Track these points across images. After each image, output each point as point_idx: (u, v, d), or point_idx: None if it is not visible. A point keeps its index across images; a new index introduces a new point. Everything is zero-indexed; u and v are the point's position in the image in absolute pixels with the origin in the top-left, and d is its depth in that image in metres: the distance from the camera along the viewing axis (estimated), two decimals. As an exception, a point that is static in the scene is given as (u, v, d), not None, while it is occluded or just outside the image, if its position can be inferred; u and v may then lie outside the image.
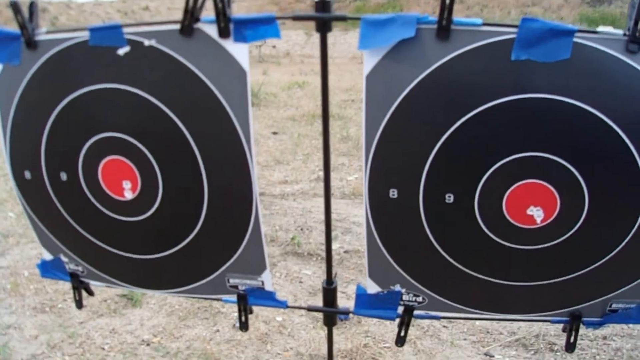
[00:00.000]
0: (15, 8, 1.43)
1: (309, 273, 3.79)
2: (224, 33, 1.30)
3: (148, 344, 3.02)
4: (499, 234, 1.37)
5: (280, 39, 1.30)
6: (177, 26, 1.33)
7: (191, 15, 1.31)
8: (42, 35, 1.46)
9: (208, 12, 1.32)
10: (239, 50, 1.31)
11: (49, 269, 1.80)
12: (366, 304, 1.55)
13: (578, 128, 1.22)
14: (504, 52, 1.19)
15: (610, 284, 1.42)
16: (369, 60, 1.26)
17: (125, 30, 1.37)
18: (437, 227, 1.39)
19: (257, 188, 1.43)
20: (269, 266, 1.55)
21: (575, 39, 1.17)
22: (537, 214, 1.32)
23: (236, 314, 3.03)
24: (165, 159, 1.47)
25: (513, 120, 1.23)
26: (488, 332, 3.12)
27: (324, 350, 2.84)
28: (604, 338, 3.03)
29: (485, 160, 1.29)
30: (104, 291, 3.50)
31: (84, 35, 1.41)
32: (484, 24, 1.20)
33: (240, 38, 1.30)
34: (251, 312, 1.66)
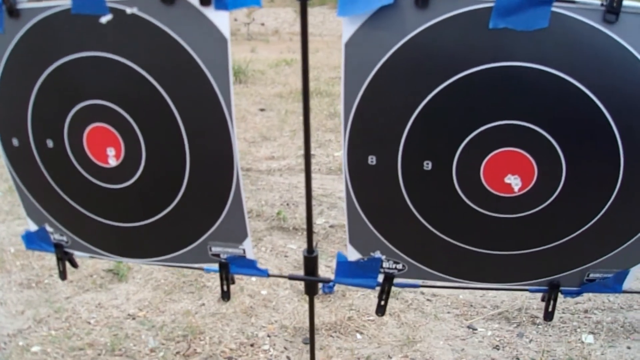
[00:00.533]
0: (-4, -24, 1.42)
1: (294, 247, 3.81)
2: (205, 1, 1.30)
3: (134, 318, 3.04)
4: (477, 202, 1.38)
5: (260, 6, 1.30)
6: None
7: (173, -18, 1.31)
8: (24, 4, 1.45)
9: None
10: (219, 18, 1.31)
11: (33, 240, 1.81)
12: (347, 272, 1.56)
13: (555, 97, 1.23)
14: (482, 20, 1.20)
15: (588, 254, 1.44)
16: (348, 28, 1.26)
17: (109, -2, 1.37)
18: (416, 194, 1.40)
19: (237, 155, 1.44)
20: (250, 234, 1.56)
21: (553, 8, 1.18)
22: (514, 182, 1.34)
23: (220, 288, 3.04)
24: (147, 127, 1.48)
25: (491, 88, 1.24)
26: (471, 305, 3.16)
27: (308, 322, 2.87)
28: (585, 312, 3.07)
29: (463, 127, 1.30)
30: (91, 266, 3.51)
31: (66, 3, 1.40)
32: (463, -8, 1.20)
33: (221, 5, 1.30)
34: (233, 282, 1.67)
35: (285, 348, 2.79)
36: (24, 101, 1.55)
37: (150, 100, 1.43)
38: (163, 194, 1.55)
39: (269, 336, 2.88)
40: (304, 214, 4.19)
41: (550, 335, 2.87)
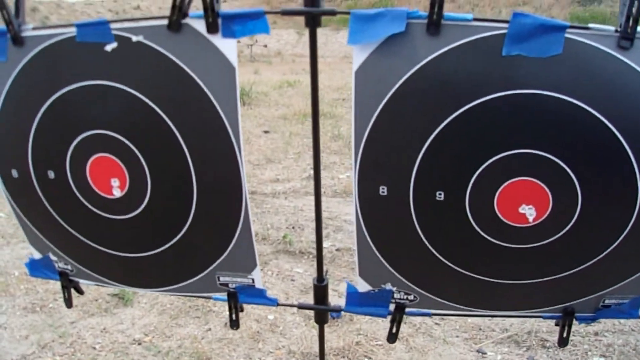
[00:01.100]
0: (1, 4, 1.41)
1: (300, 271, 3.78)
2: (212, 28, 1.28)
3: (139, 343, 3.01)
4: (491, 233, 1.35)
5: (269, 34, 1.29)
6: (165, 22, 1.31)
7: (179, 10, 1.29)
8: (28, 32, 1.44)
9: (197, 8, 1.31)
10: (227, 46, 1.30)
11: (37, 268, 1.78)
12: (357, 301, 1.54)
13: (570, 125, 1.21)
14: (495, 47, 1.18)
15: (604, 281, 1.41)
16: (358, 56, 1.24)
17: (113, 26, 1.35)
18: (428, 225, 1.37)
19: (246, 185, 1.42)
20: (259, 264, 1.54)
21: (567, 35, 1.16)
22: (529, 212, 1.31)
23: (228, 313, 3.02)
24: (153, 157, 1.46)
25: (504, 117, 1.22)
26: (480, 329, 3.13)
27: (316, 348, 2.83)
28: (596, 334, 3.04)
29: (476, 157, 1.27)
30: (95, 290, 3.49)
31: (71, 31, 1.39)
32: (475, 19, 1.19)
33: (228, 33, 1.29)
34: (242, 310, 1.65)
35: (293, 374, 2.77)
36: (25, 131, 1.52)
37: (155, 130, 1.41)
38: (170, 224, 1.53)
39: (276, 362, 2.85)
40: (310, 237, 4.22)
41: (560, 359, 2.84)
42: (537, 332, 3.05)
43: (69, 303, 1.84)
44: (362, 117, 1.29)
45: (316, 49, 1.34)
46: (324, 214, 4.71)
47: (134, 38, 1.34)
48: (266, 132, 7.79)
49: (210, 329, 3.12)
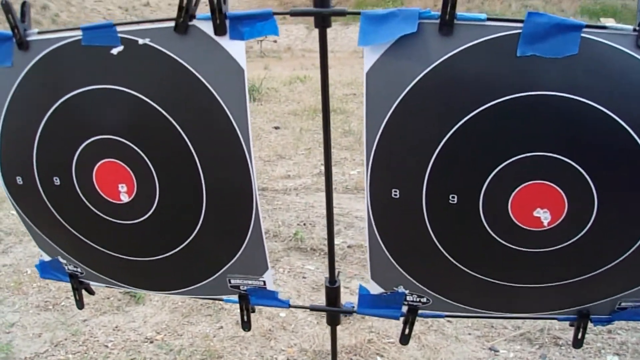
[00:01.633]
0: (7, 8, 1.40)
1: (312, 268, 3.77)
2: (219, 30, 1.27)
3: (151, 341, 3.01)
4: (505, 237, 1.33)
5: (277, 35, 1.27)
6: (172, 24, 1.30)
7: (186, 12, 1.28)
8: (34, 36, 1.43)
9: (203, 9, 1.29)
10: (235, 48, 1.28)
11: (48, 270, 1.78)
12: (369, 303, 1.53)
13: (587, 127, 1.19)
14: (509, 47, 1.16)
15: (620, 285, 1.39)
16: (370, 57, 1.23)
17: (119, 29, 1.35)
18: (441, 228, 1.35)
19: (256, 187, 1.40)
20: (270, 266, 1.52)
21: (583, 34, 1.14)
22: (544, 216, 1.28)
23: (239, 311, 3.01)
24: (161, 161, 1.44)
25: (519, 119, 1.20)
26: (492, 326, 3.10)
27: (328, 346, 2.83)
28: (609, 332, 3.01)
29: (490, 160, 1.25)
30: (107, 288, 3.49)
31: (77, 34, 1.38)
32: (489, 19, 1.17)
33: (236, 35, 1.27)
34: (253, 311, 1.65)
35: (305, 373, 2.76)
36: (30, 137, 1.51)
37: (163, 134, 1.40)
38: (179, 228, 1.51)
39: (288, 360, 2.84)
40: (321, 234, 4.20)
41: (573, 357, 2.82)
42: (549, 329, 3.03)
43: (80, 304, 1.84)
44: (374, 119, 1.27)
45: (326, 48, 1.33)
46: (335, 210, 4.69)
47: (141, 41, 1.33)
48: (276, 128, 7.77)
49: (221, 327, 3.12)
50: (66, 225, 1.62)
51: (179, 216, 1.50)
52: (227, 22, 1.27)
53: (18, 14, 1.42)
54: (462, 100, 1.21)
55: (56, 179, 1.54)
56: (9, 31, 1.44)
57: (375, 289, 1.49)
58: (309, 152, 6.45)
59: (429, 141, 1.26)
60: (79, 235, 1.62)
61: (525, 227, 1.31)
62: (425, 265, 1.42)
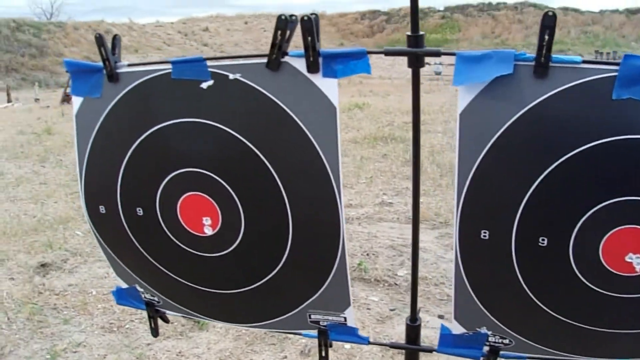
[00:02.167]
0: (100, 42, 1.45)
1: (376, 299, 3.75)
2: (312, 67, 1.28)
3: (215, 369, 3.03)
4: (595, 282, 1.29)
5: (370, 74, 1.28)
6: (263, 60, 1.32)
7: (279, 49, 1.30)
8: (124, 68, 1.47)
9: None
10: (328, 86, 1.29)
11: (124, 297, 1.80)
12: (450, 343, 1.51)
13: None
14: (604, 90, 1.14)
15: None
16: (464, 97, 1.23)
17: (209, 63, 1.37)
18: (529, 271, 1.32)
19: (344, 225, 1.40)
20: (352, 303, 1.52)
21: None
22: (636, 261, 1.25)
23: (304, 340, 3.00)
24: (248, 196, 1.45)
25: (613, 162, 1.17)
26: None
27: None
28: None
29: (582, 203, 1.23)
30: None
31: (167, 68, 1.41)
32: (584, 62, 1.15)
33: (329, 73, 1.28)
34: (331, 346, 1.63)
35: (370, 407, 2.73)
36: (115, 167, 1.53)
37: (251, 169, 1.40)
38: (263, 262, 1.51)
39: (353, 394, 2.82)
40: (385, 265, 4.18)
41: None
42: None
43: (155, 332, 1.86)
44: (466, 159, 1.27)
45: (419, 88, 1.33)
46: (398, 241, 4.67)
47: (231, 76, 1.35)
48: (337, 155, 7.79)
49: (286, 357, 3.11)
50: (146, 255, 1.63)
51: (263, 251, 1.50)
52: (321, 59, 1.28)
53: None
54: (556, 143, 1.20)
55: (139, 210, 1.56)
56: (99, 63, 1.48)
57: (457, 328, 1.47)
58: (370, 181, 6.44)
59: (521, 183, 1.25)
60: (158, 265, 1.64)
61: (616, 272, 1.27)
62: (510, 307, 1.40)
